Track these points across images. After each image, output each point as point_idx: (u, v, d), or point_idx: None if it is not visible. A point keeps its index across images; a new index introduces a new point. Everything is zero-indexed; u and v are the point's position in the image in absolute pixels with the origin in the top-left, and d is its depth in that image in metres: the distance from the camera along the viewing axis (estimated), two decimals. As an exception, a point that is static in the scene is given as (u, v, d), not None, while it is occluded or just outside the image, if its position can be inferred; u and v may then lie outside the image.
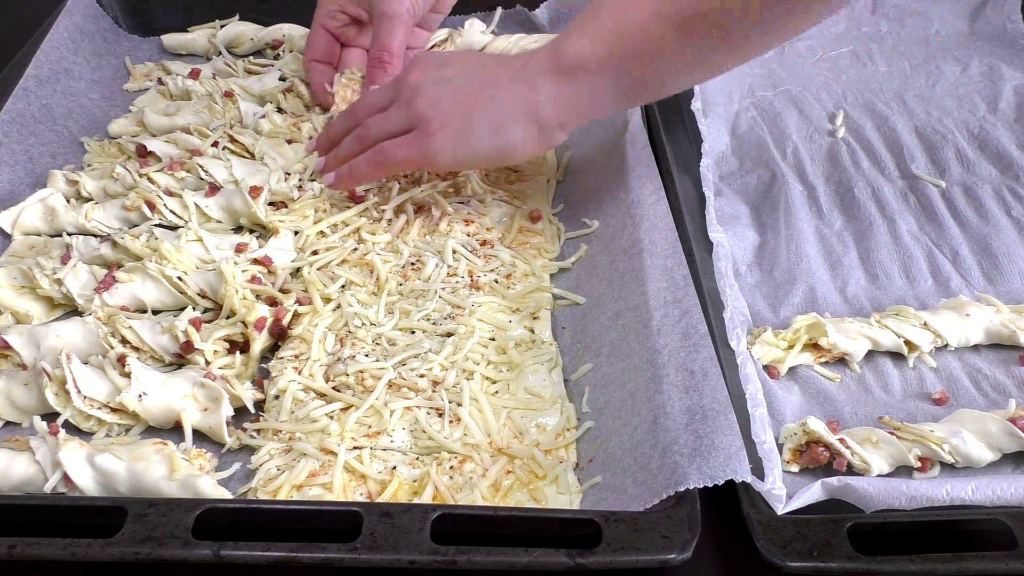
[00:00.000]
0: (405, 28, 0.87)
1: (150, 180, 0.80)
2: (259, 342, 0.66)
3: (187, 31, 1.05)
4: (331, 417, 0.62)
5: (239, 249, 0.73)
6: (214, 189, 0.79)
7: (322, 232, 0.77)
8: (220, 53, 1.02)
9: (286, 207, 0.79)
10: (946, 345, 0.67)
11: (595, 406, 0.63)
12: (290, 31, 1.03)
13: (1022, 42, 1.05)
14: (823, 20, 0.64)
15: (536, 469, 0.59)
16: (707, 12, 0.62)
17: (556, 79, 0.68)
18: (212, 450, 0.61)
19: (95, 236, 0.78)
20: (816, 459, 0.58)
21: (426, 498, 0.57)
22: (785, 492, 0.54)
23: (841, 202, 0.83)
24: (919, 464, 0.58)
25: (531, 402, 0.64)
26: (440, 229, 0.77)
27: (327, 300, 0.70)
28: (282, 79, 0.95)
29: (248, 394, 0.63)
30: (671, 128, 0.86)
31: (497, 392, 0.65)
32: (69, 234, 0.78)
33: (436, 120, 0.70)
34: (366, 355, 0.66)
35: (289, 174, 0.82)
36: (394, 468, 0.59)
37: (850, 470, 0.58)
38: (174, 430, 0.62)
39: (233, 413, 0.62)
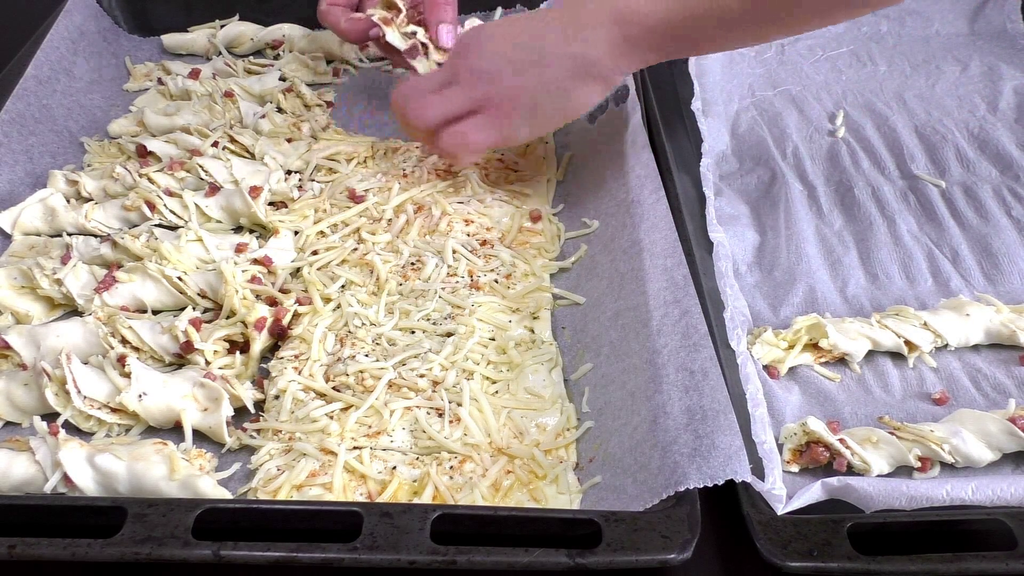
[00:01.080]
0: None
1: (150, 180, 0.80)
2: (259, 342, 0.66)
3: (187, 31, 1.05)
4: (331, 417, 0.62)
5: (239, 249, 0.73)
6: (214, 189, 0.79)
7: (322, 232, 0.77)
8: (220, 53, 1.02)
9: (286, 207, 0.79)
10: (946, 345, 0.67)
11: (595, 406, 0.63)
12: (290, 31, 1.03)
13: (1022, 42, 1.05)
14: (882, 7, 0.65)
15: (536, 469, 0.59)
16: None
17: (611, 29, 0.68)
18: (212, 450, 0.61)
19: (95, 236, 0.78)
20: (816, 459, 0.58)
21: (426, 498, 0.57)
22: (785, 492, 0.54)
23: (841, 202, 0.83)
24: (919, 464, 0.58)
25: (531, 402, 0.64)
26: (440, 229, 0.77)
27: (327, 300, 0.70)
28: (282, 79, 0.95)
29: (248, 394, 0.63)
30: (671, 128, 0.86)
31: (497, 392, 0.64)
32: (69, 234, 0.78)
33: (506, 101, 0.71)
34: (366, 355, 0.66)
35: (289, 173, 0.82)
36: (394, 468, 0.59)
37: (850, 470, 0.58)
38: (174, 430, 0.62)
39: (233, 413, 0.62)
